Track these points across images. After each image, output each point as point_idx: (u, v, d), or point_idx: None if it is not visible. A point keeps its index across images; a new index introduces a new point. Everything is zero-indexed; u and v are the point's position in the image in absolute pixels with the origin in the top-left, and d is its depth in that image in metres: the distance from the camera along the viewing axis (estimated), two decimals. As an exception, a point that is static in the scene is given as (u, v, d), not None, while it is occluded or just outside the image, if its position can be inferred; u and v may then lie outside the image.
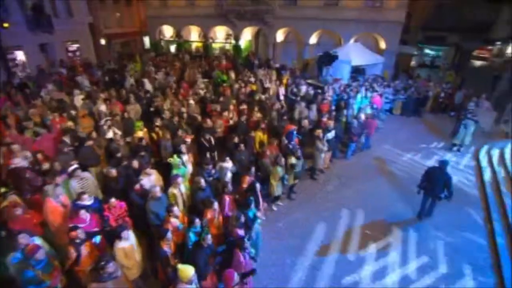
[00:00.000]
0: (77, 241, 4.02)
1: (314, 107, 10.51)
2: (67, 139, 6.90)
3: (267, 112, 9.77)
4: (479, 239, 6.47)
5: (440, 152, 10.27)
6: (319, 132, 8.29)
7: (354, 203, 7.53)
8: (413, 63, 21.38)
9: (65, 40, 18.04)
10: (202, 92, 11.34)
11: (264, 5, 19.07)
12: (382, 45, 17.64)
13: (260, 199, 5.86)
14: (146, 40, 25.54)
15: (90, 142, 6.78)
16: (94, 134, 7.15)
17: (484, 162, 9.38)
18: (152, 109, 9.48)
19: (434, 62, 21.56)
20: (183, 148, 6.39)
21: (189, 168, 6.35)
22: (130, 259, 4.27)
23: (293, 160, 6.91)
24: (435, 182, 6.42)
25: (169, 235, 4.09)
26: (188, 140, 7.02)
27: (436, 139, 11.32)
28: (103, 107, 9.28)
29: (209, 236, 4.09)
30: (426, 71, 20.31)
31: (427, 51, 21.76)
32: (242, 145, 6.94)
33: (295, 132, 8.14)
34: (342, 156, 9.92)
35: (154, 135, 7.73)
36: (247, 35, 22.31)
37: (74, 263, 4.00)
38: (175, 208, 4.56)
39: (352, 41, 17.38)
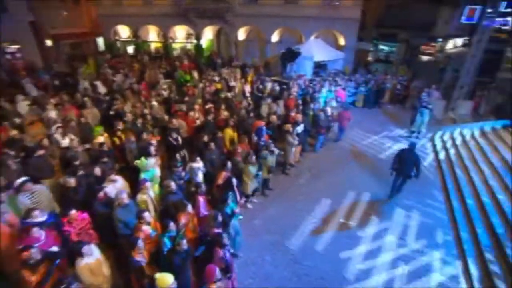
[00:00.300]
0: (31, 262, 3.51)
1: (281, 102, 10.65)
2: (11, 150, 6.09)
3: (234, 110, 9.67)
4: (442, 214, 7.09)
5: (402, 139, 10.92)
6: (288, 126, 8.34)
7: (326, 194, 7.67)
8: (370, 58, 22.59)
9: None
10: (165, 93, 10.87)
11: (224, 3, 18.81)
12: (341, 41, 18.33)
13: (238, 194, 5.69)
14: (100, 41, 23.85)
15: (41, 152, 6.06)
16: (46, 142, 6.41)
17: (438, 145, 10.25)
18: (112, 112, 8.83)
19: (389, 57, 22.95)
20: (152, 149, 5.98)
21: (157, 170, 5.96)
22: (98, 276, 3.84)
23: (266, 155, 6.86)
24: (406, 163, 6.91)
25: (141, 243, 3.74)
26: (154, 141, 6.60)
27: (397, 127, 12.04)
28: (53, 113, 8.43)
29: (184, 241, 3.82)
30: (382, 65, 21.54)
31: (381, 47, 23.09)
32: (212, 144, 6.69)
33: (264, 128, 8.11)
34: (311, 149, 10.10)
35: (116, 139, 7.17)
36: (208, 34, 21.86)
37: (39, 285, 3.47)
38: (146, 214, 4.20)
39: (313, 38, 17.83)
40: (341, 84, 13.72)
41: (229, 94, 11.14)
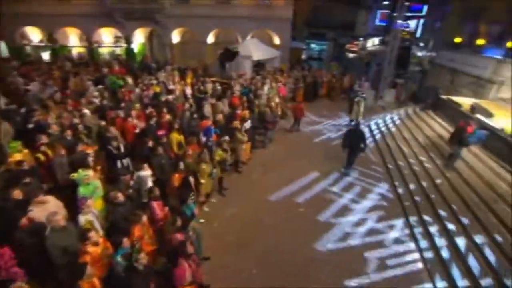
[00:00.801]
0: None
1: (225, 101, 10.54)
2: None
3: (177, 112, 9.27)
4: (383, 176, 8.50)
5: (343, 126, 11.85)
6: (236, 123, 8.31)
7: (282, 186, 7.80)
8: (303, 56, 23.95)
9: None
10: (97, 100, 9.79)
11: (153, 3, 17.79)
12: (276, 40, 18.98)
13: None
14: (2, 46, 20.15)
15: None
16: None
17: (374, 128, 11.46)
18: (31, 125, 7.53)
19: (321, 55, 24.72)
20: (89, 160, 5.21)
21: (98, 183, 5.22)
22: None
23: (220, 154, 6.67)
24: (354, 138, 8.05)
25: (89, 269, 3.16)
26: (91, 151, 5.79)
27: (338, 117, 13.09)
28: None
29: (142, 254, 3.36)
30: (315, 63, 23.04)
31: (313, 45, 24.76)
32: (160, 148, 6.18)
33: (212, 128, 7.89)
34: (261, 145, 10.18)
35: (40, 155, 6.08)
36: (139, 37, 20.45)
37: None
38: (92, 234, 3.58)
39: (249, 37, 18.07)
40: (281, 81, 14.17)
41: (170, 97, 10.56)
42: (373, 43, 30.78)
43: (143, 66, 16.44)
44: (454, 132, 6.99)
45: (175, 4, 18.20)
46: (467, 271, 4.85)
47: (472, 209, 5.87)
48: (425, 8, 15.52)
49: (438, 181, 7.05)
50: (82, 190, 4.64)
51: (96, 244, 3.54)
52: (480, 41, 12.11)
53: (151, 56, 19.77)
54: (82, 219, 4.27)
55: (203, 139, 7.50)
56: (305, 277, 5.12)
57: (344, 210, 6.90)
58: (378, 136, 10.76)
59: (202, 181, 6.09)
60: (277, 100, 11.71)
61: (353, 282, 5.05)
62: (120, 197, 4.48)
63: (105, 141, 6.64)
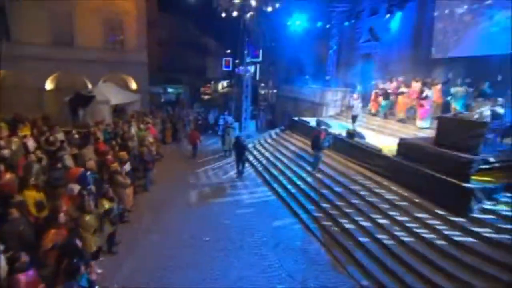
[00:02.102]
0: None
1: (90, 148, 9.15)
2: None
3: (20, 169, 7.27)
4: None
5: (219, 160, 12.72)
6: (115, 166, 7.37)
7: (177, 222, 7.49)
8: (162, 100, 24.00)
9: None
10: None
11: None
12: (133, 85, 18.17)
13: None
14: None
15: None
16: None
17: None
18: None
19: (178, 98, 25.43)
20: None
21: None
22: None
23: (106, 205, 5.62)
24: (239, 148, 10.13)
25: None
26: None
27: (213, 151, 13.91)
28: None
29: None
30: (174, 105, 23.43)
31: (170, 90, 25.28)
32: (14, 211, 4.54)
33: (87, 174, 6.59)
34: (143, 189, 9.34)
35: None
36: None
37: None
38: None
39: (101, 82, 16.47)
40: (150, 122, 13.66)
41: (5, 152, 8.08)
42: (222, 86, 35.01)
43: None
44: (312, 141, 8.88)
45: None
46: (347, 234, 6.37)
47: (340, 193, 7.58)
48: (261, 54, 19.13)
49: (309, 180, 8.67)
50: None
51: None
52: (306, 76, 16.30)
53: None
54: None
55: (75, 190, 6.07)
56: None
57: (245, 225, 7.36)
58: (252, 159, 12.12)
59: (87, 235, 4.88)
60: (150, 139, 11.26)
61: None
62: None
63: None
